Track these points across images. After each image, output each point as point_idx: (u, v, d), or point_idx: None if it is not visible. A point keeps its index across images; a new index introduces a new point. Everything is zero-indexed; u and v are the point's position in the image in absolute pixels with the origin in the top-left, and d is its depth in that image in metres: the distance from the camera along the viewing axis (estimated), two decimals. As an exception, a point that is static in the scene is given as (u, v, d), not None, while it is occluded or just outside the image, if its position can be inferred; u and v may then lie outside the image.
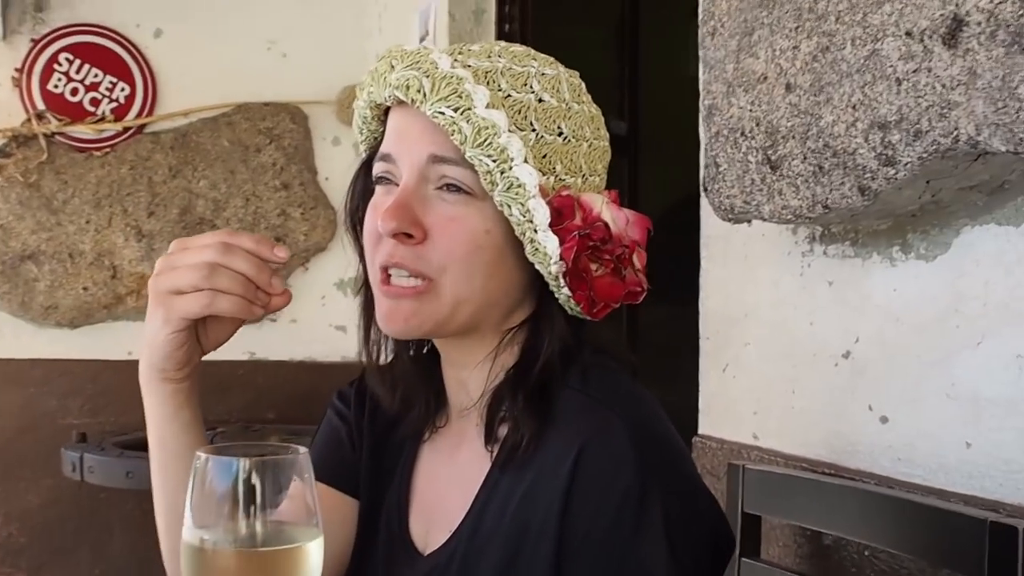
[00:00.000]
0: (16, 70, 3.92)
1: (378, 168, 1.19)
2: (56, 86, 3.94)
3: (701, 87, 1.79)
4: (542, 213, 1.10)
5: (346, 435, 1.36)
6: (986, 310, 1.39)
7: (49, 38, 3.95)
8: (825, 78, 1.43)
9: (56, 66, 3.94)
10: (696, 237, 2.08)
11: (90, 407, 3.92)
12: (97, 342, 3.95)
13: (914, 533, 1.40)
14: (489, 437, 1.18)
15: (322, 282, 4.06)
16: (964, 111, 1.20)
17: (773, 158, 1.55)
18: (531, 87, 1.15)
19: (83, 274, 3.92)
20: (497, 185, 1.10)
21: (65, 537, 3.92)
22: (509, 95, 1.13)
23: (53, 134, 3.91)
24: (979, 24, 1.17)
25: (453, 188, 1.13)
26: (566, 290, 1.14)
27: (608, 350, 1.22)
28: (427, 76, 1.11)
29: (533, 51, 1.22)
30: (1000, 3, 1.14)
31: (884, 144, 1.33)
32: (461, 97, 1.10)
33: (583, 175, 1.18)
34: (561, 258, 1.11)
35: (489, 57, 1.16)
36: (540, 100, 1.15)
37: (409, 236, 1.12)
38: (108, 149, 3.96)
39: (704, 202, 1.90)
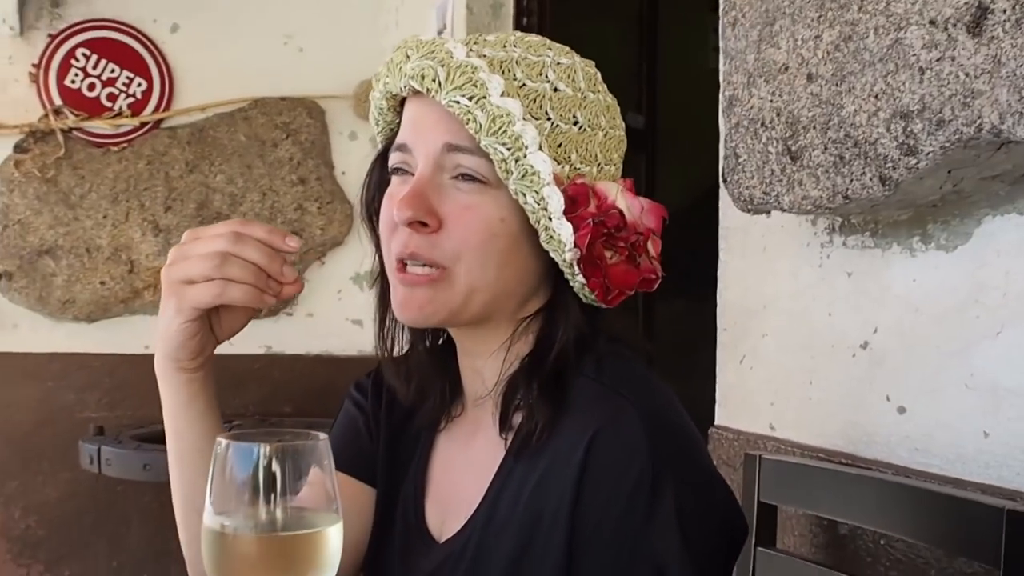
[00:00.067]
0: (33, 66, 3.93)
1: (394, 158, 1.19)
2: (73, 81, 3.95)
3: (721, 78, 1.78)
4: (556, 201, 1.10)
5: (363, 425, 1.36)
6: (1006, 300, 1.39)
7: (66, 33, 3.96)
8: (847, 67, 1.42)
9: (73, 61, 3.95)
10: (713, 232, 2.08)
11: (107, 400, 3.94)
12: (114, 336, 3.96)
13: (931, 522, 1.39)
14: (503, 425, 1.18)
15: (338, 276, 4.06)
16: (988, 100, 1.19)
17: (793, 148, 1.54)
18: (546, 76, 1.15)
19: (100, 269, 3.93)
20: (512, 173, 1.10)
21: (83, 530, 3.93)
22: (524, 84, 1.14)
23: (70, 129, 3.92)
24: (1004, 12, 1.16)
25: (468, 177, 1.13)
26: (580, 278, 1.14)
27: (623, 339, 1.22)
28: (442, 65, 1.12)
29: (548, 41, 1.22)
30: (1025, -10, 1.14)
31: (906, 134, 1.32)
32: (476, 86, 1.10)
33: (598, 164, 1.18)
34: (575, 245, 1.11)
35: (504, 47, 1.16)
36: (555, 89, 1.15)
37: (424, 225, 1.13)
38: (125, 144, 3.97)
39: (723, 193, 1.89)
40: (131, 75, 3.98)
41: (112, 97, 3.97)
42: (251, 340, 3.94)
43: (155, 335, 1.19)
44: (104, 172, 3.94)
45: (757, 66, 1.64)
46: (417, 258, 1.14)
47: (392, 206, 1.15)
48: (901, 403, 1.56)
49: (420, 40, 1.17)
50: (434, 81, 1.12)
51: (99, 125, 3.94)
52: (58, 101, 3.92)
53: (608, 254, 1.14)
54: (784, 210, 1.63)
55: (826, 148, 1.47)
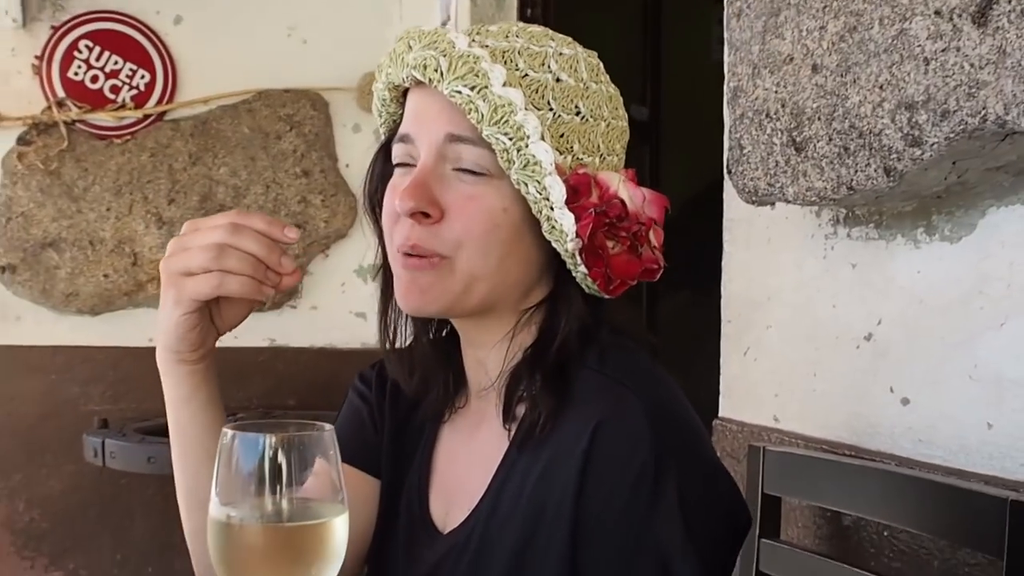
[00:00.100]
0: (36, 57, 3.92)
1: (397, 150, 1.19)
2: (76, 73, 3.94)
3: (726, 69, 1.78)
4: (558, 190, 1.10)
5: (367, 416, 1.36)
6: (1010, 291, 1.39)
7: (69, 25, 3.95)
8: (852, 58, 1.42)
9: (76, 53, 3.94)
10: (717, 225, 2.08)
11: (111, 393, 3.94)
12: (118, 329, 3.96)
13: (934, 513, 1.39)
14: (507, 416, 1.18)
15: (342, 269, 4.06)
16: (993, 90, 1.19)
17: (798, 139, 1.54)
18: (548, 67, 1.15)
19: (104, 261, 3.93)
20: (514, 163, 1.10)
21: (87, 523, 3.94)
22: (526, 74, 1.13)
23: (73, 121, 3.91)
24: (1009, 2, 1.16)
25: (470, 168, 1.13)
26: (582, 268, 1.14)
27: (627, 331, 1.22)
28: (444, 55, 1.12)
29: (551, 31, 1.22)
30: (1030, -20, 1.14)
31: (911, 124, 1.32)
32: (478, 76, 1.10)
33: (601, 155, 1.18)
34: (577, 235, 1.11)
35: (507, 37, 1.16)
36: (558, 80, 1.15)
37: (426, 215, 1.13)
38: (128, 136, 3.97)
39: (727, 185, 1.89)
40: (134, 67, 3.97)
41: (115, 89, 3.96)
42: (255, 333, 3.98)
43: (157, 328, 1.20)
44: (107, 164, 3.94)
45: (762, 57, 1.64)
46: (418, 251, 1.14)
47: (395, 197, 1.15)
48: (905, 395, 1.56)
49: (422, 31, 1.17)
50: (436, 71, 1.12)
51: (102, 117, 3.94)
52: (61, 93, 3.91)
53: (610, 244, 1.14)
54: (788, 201, 1.63)
55: (831, 139, 1.47)
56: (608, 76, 1.23)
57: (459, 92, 1.10)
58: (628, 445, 1.07)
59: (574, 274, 1.16)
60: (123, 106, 3.95)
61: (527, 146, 1.09)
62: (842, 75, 1.44)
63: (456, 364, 1.30)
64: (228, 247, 1.10)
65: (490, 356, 1.22)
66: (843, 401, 1.70)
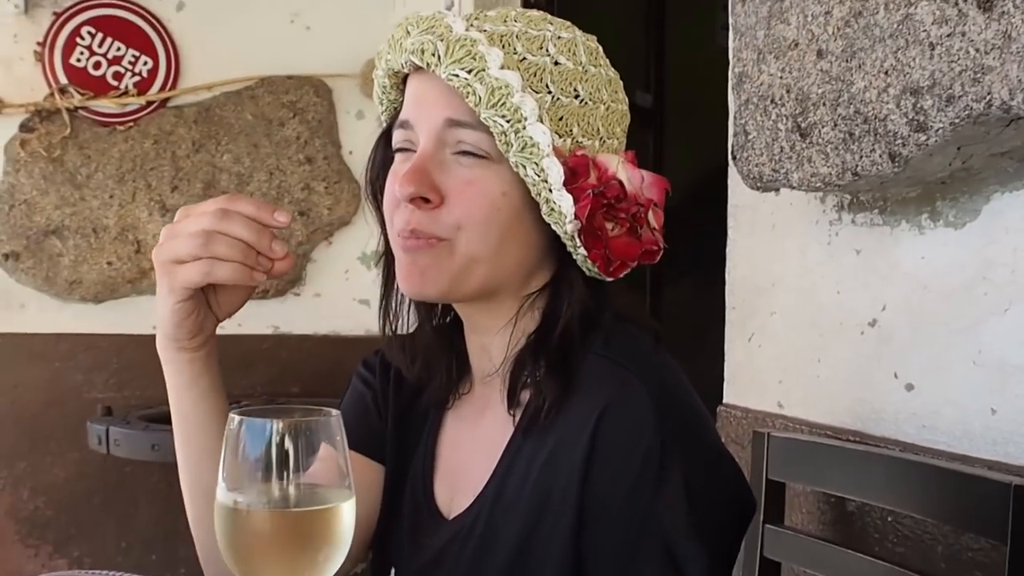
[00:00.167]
0: (38, 44, 3.92)
1: (397, 137, 1.19)
2: (79, 60, 3.93)
3: (731, 54, 1.78)
4: (556, 172, 1.10)
5: (371, 402, 1.37)
6: (1014, 277, 1.39)
7: (71, 11, 3.93)
8: (857, 43, 1.42)
9: (78, 40, 3.93)
10: (721, 211, 2.08)
11: (115, 381, 3.94)
12: (122, 316, 3.96)
13: (938, 498, 1.40)
14: (511, 402, 1.19)
15: (346, 256, 4.05)
16: (998, 76, 1.19)
17: (803, 125, 1.54)
18: (547, 50, 1.15)
19: (107, 249, 3.93)
20: (512, 146, 1.10)
21: (91, 510, 3.94)
22: (524, 58, 1.13)
23: (76, 108, 3.91)
24: (1014, -14, 1.16)
25: (470, 152, 1.13)
26: (582, 250, 1.14)
27: (630, 317, 1.22)
28: (441, 40, 1.12)
29: (549, 16, 1.22)
30: (1036, -36, 1.13)
31: (916, 110, 1.32)
32: (475, 59, 1.10)
33: (600, 138, 1.18)
34: (576, 217, 1.11)
35: (505, 21, 1.16)
36: (556, 63, 1.15)
37: (426, 200, 1.13)
38: (131, 123, 3.96)
39: (732, 171, 1.89)
40: (137, 53, 3.96)
41: (118, 76, 3.95)
42: (258, 320, 3.98)
43: (156, 316, 1.19)
44: (110, 151, 3.93)
45: (767, 42, 1.63)
46: (418, 234, 1.14)
47: (395, 183, 1.15)
48: (909, 380, 1.56)
49: (420, 16, 1.18)
50: (434, 55, 1.12)
51: (105, 104, 3.93)
52: (63, 80, 3.91)
53: (609, 225, 1.14)
54: (793, 187, 1.63)
55: (836, 125, 1.47)
56: (607, 60, 1.22)
57: (456, 75, 1.10)
58: (633, 431, 1.08)
59: (574, 256, 1.16)
60: (126, 93, 3.94)
61: (524, 128, 1.09)
62: (847, 60, 1.44)
63: (460, 350, 1.30)
64: (216, 233, 1.09)
65: (494, 342, 1.23)
66: (847, 387, 1.71)
